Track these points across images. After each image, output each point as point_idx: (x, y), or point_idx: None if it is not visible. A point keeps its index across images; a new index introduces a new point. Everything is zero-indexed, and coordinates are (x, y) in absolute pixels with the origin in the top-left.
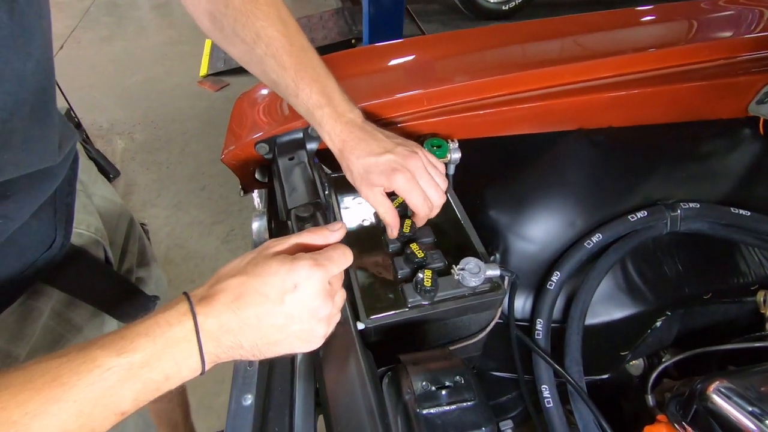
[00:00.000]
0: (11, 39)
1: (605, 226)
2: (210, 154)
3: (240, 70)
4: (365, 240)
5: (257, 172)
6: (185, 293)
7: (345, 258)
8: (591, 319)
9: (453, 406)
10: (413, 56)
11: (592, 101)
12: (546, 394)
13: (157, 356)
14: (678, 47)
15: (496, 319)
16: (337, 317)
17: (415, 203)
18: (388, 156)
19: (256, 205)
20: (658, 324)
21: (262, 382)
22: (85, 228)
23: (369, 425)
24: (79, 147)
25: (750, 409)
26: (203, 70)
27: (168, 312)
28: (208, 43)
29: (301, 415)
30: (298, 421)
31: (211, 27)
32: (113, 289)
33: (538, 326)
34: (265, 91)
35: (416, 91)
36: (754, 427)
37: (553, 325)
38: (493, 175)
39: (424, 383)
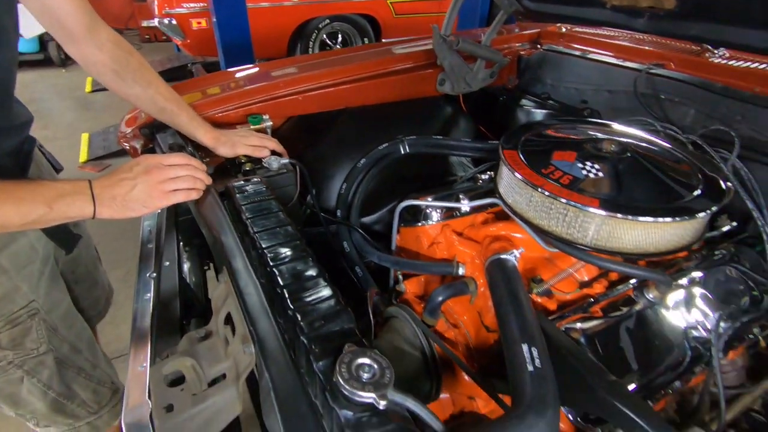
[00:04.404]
0: None
1: (367, 155)
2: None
3: (120, 153)
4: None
5: (145, 152)
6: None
7: (182, 158)
8: (371, 216)
9: (251, 188)
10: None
11: (352, 89)
12: (346, 245)
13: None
14: (391, 57)
15: (298, 193)
16: (178, 187)
17: (266, 143)
18: (241, 133)
19: None
20: None
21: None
22: None
23: (221, 214)
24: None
25: (433, 204)
26: (83, 157)
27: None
28: (84, 136)
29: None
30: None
31: (114, 78)
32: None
33: (338, 213)
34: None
35: (250, 87)
36: (433, 214)
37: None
38: (306, 136)
39: (241, 182)
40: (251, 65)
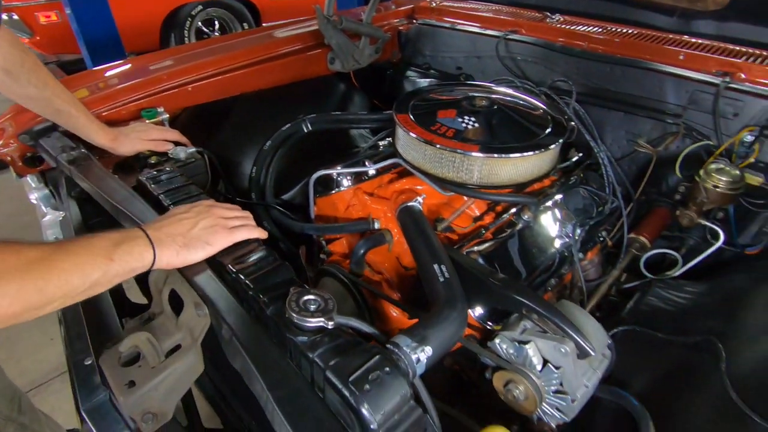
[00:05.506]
0: None
1: (272, 137)
2: None
3: None
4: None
5: (26, 161)
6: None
7: (237, 211)
8: (287, 193)
9: (165, 176)
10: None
11: (244, 75)
12: (266, 224)
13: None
14: (279, 40)
15: (210, 181)
16: (238, 224)
17: (167, 136)
18: (139, 128)
19: (32, 185)
20: None
21: None
22: None
23: (140, 204)
24: None
25: (343, 171)
26: None
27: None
28: None
29: None
30: None
31: (5, 79)
32: None
33: (253, 195)
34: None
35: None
36: (344, 181)
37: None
38: (205, 126)
39: (153, 172)
40: (123, 61)
